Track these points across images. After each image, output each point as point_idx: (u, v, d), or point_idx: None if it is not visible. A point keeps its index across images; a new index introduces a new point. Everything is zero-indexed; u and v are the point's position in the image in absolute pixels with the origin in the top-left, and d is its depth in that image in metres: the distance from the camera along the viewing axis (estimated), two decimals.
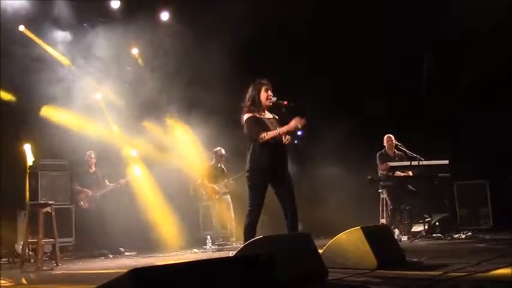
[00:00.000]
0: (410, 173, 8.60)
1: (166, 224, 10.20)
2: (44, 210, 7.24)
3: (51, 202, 7.38)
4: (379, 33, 10.15)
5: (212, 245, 8.95)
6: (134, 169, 10.47)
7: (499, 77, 9.41)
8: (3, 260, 8.20)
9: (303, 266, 4.12)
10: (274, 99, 5.39)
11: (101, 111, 10.24)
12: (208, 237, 9.14)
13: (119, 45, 9.66)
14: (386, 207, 8.67)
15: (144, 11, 9.72)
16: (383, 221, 8.73)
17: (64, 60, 9.82)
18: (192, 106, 10.39)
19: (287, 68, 10.57)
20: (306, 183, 10.05)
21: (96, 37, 9.42)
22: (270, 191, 5.35)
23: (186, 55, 9.86)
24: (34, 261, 7.43)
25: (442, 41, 10.25)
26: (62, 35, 9.62)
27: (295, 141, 10.99)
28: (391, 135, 8.90)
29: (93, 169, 9.46)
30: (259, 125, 5.31)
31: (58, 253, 7.43)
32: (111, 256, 8.70)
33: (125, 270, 2.52)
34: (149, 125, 10.74)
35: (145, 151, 10.65)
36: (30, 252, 7.90)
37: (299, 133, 11.99)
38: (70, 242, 8.98)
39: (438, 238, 8.08)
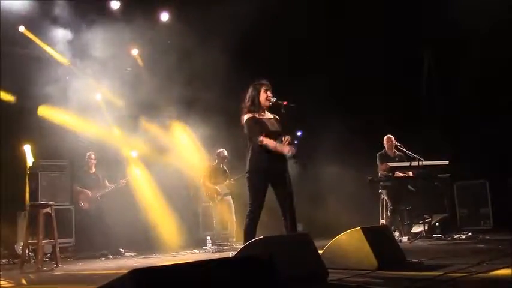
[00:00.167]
0: (411, 174, 8.59)
1: (166, 224, 10.20)
2: (44, 211, 7.24)
3: (51, 203, 7.37)
4: (379, 33, 10.15)
5: (212, 245, 8.96)
6: (134, 170, 10.47)
7: (499, 77, 9.41)
8: (3, 260, 8.20)
9: (303, 266, 4.12)
10: (273, 99, 5.40)
11: (100, 111, 10.24)
12: (208, 237, 9.15)
13: (118, 45, 9.66)
14: (387, 208, 8.66)
15: (144, 12, 9.71)
16: (383, 221, 8.72)
17: (64, 60, 9.82)
18: (191, 106, 10.40)
19: (287, 67, 10.57)
20: (306, 184, 10.02)
21: (96, 37, 9.42)
22: (270, 192, 5.35)
23: (185, 55, 9.86)
24: (34, 262, 7.45)
25: (442, 41, 10.24)
26: (61, 35, 9.62)
27: (295, 142, 10.97)
28: (391, 136, 8.90)
29: (93, 170, 9.46)
30: (259, 125, 5.31)
31: (58, 254, 7.42)
32: (111, 257, 8.70)
33: (126, 271, 2.51)
34: (149, 125, 10.74)
35: (145, 152, 10.65)
36: (30, 253, 7.91)
37: (299, 133, 12.00)
38: (70, 242, 8.99)
39: (438, 238, 8.08)
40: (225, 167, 9.76)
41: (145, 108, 10.36)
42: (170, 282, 2.63)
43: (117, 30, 9.45)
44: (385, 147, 8.93)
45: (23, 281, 6.05)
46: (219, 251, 8.61)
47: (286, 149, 5.19)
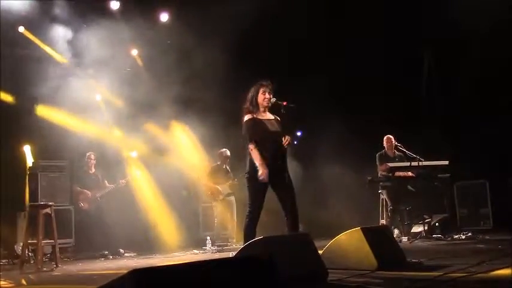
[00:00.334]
0: (410, 174, 8.59)
1: (166, 224, 10.20)
2: (44, 211, 7.24)
3: (50, 203, 7.37)
4: (379, 33, 10.15)
5: (212, 245, 8.95)
6: (134, 170, 10.46)
7: (499, 77, 9.41)
8: (3, 261, 8.20)
9: (303, 266, 4.12)
10: (273, 100, 5.39)
11: (100, 111, 10.24)
12: (208, 238, 9.15)
13: (118, 45, 9.65)
14: (386, 208, 8.66)
15: (143, 12, 9.71)
16: (383, 221, 8.72)
17: (63, 60, 9.82)
18: (191, 106, 10.38)
19: (287, 67, 10.57)
20: (306, 184, 10.02)
21: (96, 37, 9.41)
22: (270, 192, 5.34)
23: (185, 55, 9.86)
24: (34, 262, 7.44)
25: (442, 41, 10.24)
26: (61, 36, 9.61)
27: (295, 142, 10.99)
28: (390, 136, 8.90)
29: (93, 170, 9.46)
30: (258, 126, 5.32)
31: (58, 254, 7.42)
32: (111, 257, 8.69)
33: (126, 271, 2.51)
34: (148, 125, 10.73)
35: (144, 152, 10.64)
36: (30, 254, 7.90)
37: (299, 134, 12.01)
38: (70, 243, 8.98)
39: (438, 239, 8.08)
40: (227, 167, 9.74)
41: (144, 108, 10.35)
42: (170, 282, 2.63)
43: (116, 31, 9.45)
44: (384, 147, 8.93)
45: (23, 282, 6.05)
46: (218, 252, 8.61)
47: (261, 173, 5.12)
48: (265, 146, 5.26)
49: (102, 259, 8.54)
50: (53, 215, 7.34)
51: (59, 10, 9.35)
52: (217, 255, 7.98)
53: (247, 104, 5.43)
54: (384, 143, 8.93)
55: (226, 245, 9.10)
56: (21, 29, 9.32)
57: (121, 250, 9.10)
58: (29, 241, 7.32)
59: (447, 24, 9.54)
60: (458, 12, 8.96)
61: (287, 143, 5.25)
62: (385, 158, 8.77)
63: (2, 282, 5.82)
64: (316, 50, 10.58)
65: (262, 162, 5.15)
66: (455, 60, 10.13)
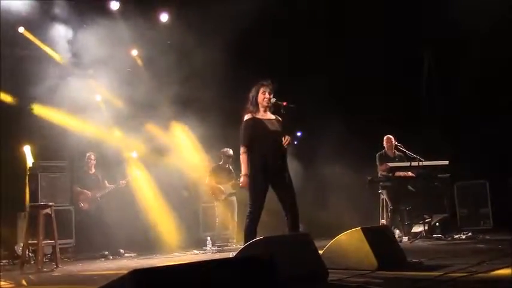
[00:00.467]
0: (410, 174, 8.59)
1: (166, 225, 10.19)
2: (44, 211, 7.24)
3: (51, 203, 7.37)
4: (379, 33, 10.15)
5: (212, 246, 8.95)
6: (134, 170, 10.46)
7: (499, 77, 9.41)
8: (4, 261, 8.20)
9: (303, 266, 4.12)
10: (273, 100, 5.40)
11: (100, 112, 10.23)
12: (209, 238, 9.14)
13: (118, 45, 9.65)
14: (387, 208, 8.66)
15: (143, 12, 9.71)
16: (383, 221, 8.72)
17: (63, 61, 9.81)
18: (191, 106, 10.38)
19: (287, 67, 10.57)
20: (306, 184, 10.02)
21: (96, 38, 9.41)
22: (270, 192, 5.35)
23: (185, 55, 9.86)
24: (34, 262, 7.44)
25: (442, 41, 10.24)
26: (61, 36, 9.61)
27: (295, 142, 10.99)
28: (390, 136, 8.89)
29: (93, 170, 9.45)
30: (257, 125, 5.33)
31: (58, 254, 7.42)
32: (111, 257, 8.69)
33: (126, 272, 2.51)
34: (149, 125, 10.73)
35: (144, 152, 10.63)
36: (30, 254, 7.90)
37: (299, 134, 12.01)
38: (70, 243, 8.97)
39: (438, 239, 8.08)
40: (230, 167, 9.70)
41: (144, 108, 10.35)
42: (170, 282, 2.63)
43: (116, 31, 9.45)
44: (384, 147, 8.93)
45: (23, 282, 6.05)
46: (219, 252, 8.60)
47: (241, 181, 5.33)
48: (265, 145, 5.27)
49: (103, 259, 8.54)
50: (53, 215, 7.34)
51: (59, 10, 9.35)
52: (217, 256, 7.98)
53: (248, 104, 5.45)
54: (384, 143, 8.93)
55: (227, 245, 9.09)
56: (21, 29, 9.32)
57: (121, 250, 9.10)
58: (29, 241, 7.31)
59: (447, 24, 9.54)
60: (458, 12, 8.96)
61: (287, 142, 5.26)
62: (385, 158, 8.77)
63: (3, 283, 5.83)
64: (316, 50, 10.57)
65: (246, 170, 5.28)
66: (455, 60, 10.13)
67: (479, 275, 4.03)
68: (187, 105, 10.37)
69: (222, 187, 9.44)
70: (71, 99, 9.36)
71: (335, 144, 10.03)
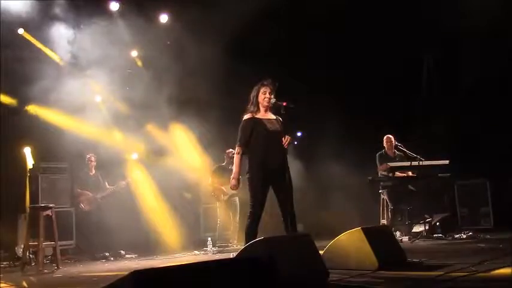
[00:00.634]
0: (411, 174, 8.59)
1: (166, 226, 10.19)
2: (45, 213, 7.24)
3: (51, 205, 7.37)
4: (379, 33, 10.15)
5: (213, 246, 8.95)
6: (134, 171, 10.46)
7: (499, 77, 9.41)
8: (4, 263, 8.19)
9: (303, 267, 4.12)
10: (273, 100, 5.39)
11: (100, 113, 10.23)
12: (209, 239, 9.14)
13: (117, 46, 9.65)
14: (387, 208, 8.66)
15: (143, 13, 9.71)
16: (383, 221, 8.72)
17: (63, 62, 9.82)
18: (191, 107, 10.38)
19: (287, 67, 10.57)
20: (307, 184, 10.04)
21: (96, 38, 9.41)
22: (272, 192, 5.34)
23: (184, 55, 9.86)
24: (35, 264, 7.43)
25: (442, 41, 10.24)
26: (61, 37, 9.61)
27: (295, 142, 11.00)
28: (390, 136, 8.89)
29: (93, 172, 9.45)
30: (257, 125, 5.34)
31: (59, 256, 7.42)
32: (112, 258, 8.69)
33: (127, 273, 2.52)
34: (149, 126, 10.73)
35: (145, 153, 10.63)
36: (31, 256, 7.88)
37: (299, 134, 12.01)
38: (71, 244, 8.96)
39: (439, 238, 8.09)
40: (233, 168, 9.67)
41: (144, 109, 10.35)
42: (171, 283, 2.63)
43: (116, 31, 9.45)
44: (384, 147, 8.93)
45: (24, 284, 6.05)
46: (219, 252, 8.60)
47: (232, 184, 5.40)
48: (266, 145, 5.27)
49: (103, 261, 8.53)
50: (53, 216, 7.34)
51: (58, 10, 9.35)
52: (218, 256, 7.98)
53: (249, 104, 5.46)
54: (384, 143, 8.93)
55: (227, 246, 9.09)
56: (20, 30, 9.31)
57: (122, 251, 9.09)
58: (30, 243, 7.31)
59: (447, 24, 9.54)
60: (458, 12, 8.97)
61: (287, 143, 5.25)
62: (385, 158, 8.77)
63: (3, 285, 5.83)
64: (316, 49, 10.57)
65: (237, 173, 5.35)
66: (455, 60, 10.13)
67: (480, 274, 4.03)
68: (187, 106, 10.37)
69: (224, 188, 9.44)
70: (71, 101, 9.35)
71: (335, 144, 10.03)
